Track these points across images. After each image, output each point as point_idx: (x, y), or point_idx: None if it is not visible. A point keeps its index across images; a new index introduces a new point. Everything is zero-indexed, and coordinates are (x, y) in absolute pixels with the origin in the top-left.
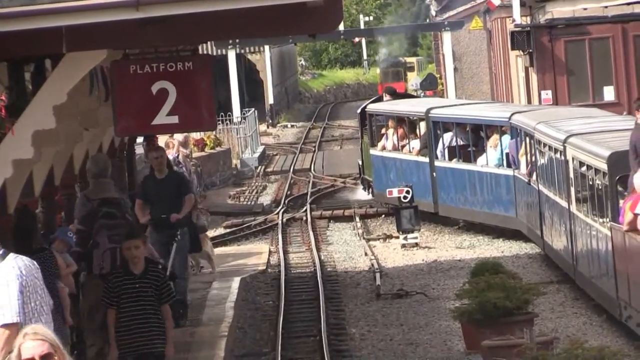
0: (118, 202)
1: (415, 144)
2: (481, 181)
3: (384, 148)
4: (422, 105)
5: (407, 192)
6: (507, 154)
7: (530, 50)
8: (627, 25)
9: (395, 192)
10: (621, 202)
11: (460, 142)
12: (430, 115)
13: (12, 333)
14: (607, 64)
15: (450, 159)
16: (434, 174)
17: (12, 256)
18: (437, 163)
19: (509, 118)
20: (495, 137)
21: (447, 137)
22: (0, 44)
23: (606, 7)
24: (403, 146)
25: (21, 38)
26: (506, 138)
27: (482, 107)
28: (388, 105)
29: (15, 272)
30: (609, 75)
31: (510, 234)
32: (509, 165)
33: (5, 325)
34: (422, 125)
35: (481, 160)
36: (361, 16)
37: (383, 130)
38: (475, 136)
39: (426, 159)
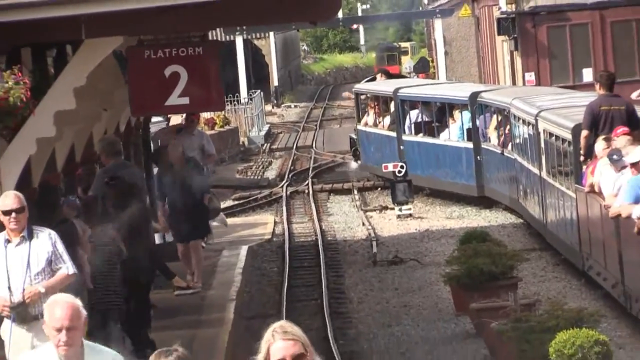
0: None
1: (387, 120)
2: (444, 153)
3: (366, 124)
4: (394, 85)
5: (402, 167)
6: (468, 129)
7: (515, 36)
8: (605, 12)
9: (390, 167)
10: (584, 167)
11: (425, 119)
12: (397, 94)
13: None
14: (586, 48)
15: (416, 133)
16: (402, 147)
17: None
18: (404, 137)
19: (470, 96)
20: (456, 114)
21: (414, 114)
22: (24, 31)
23: None
24: (379, 122)
25: (44, 25)
26: (466, 114)
27: (444, 86)
28: (369, 85)
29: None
30: (588, 58)
31: (499, 205)
32: (469, 139)
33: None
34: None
35: (444, 135)
36: (359, 4)
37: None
38: (439, 113)
39: (395, 134)
